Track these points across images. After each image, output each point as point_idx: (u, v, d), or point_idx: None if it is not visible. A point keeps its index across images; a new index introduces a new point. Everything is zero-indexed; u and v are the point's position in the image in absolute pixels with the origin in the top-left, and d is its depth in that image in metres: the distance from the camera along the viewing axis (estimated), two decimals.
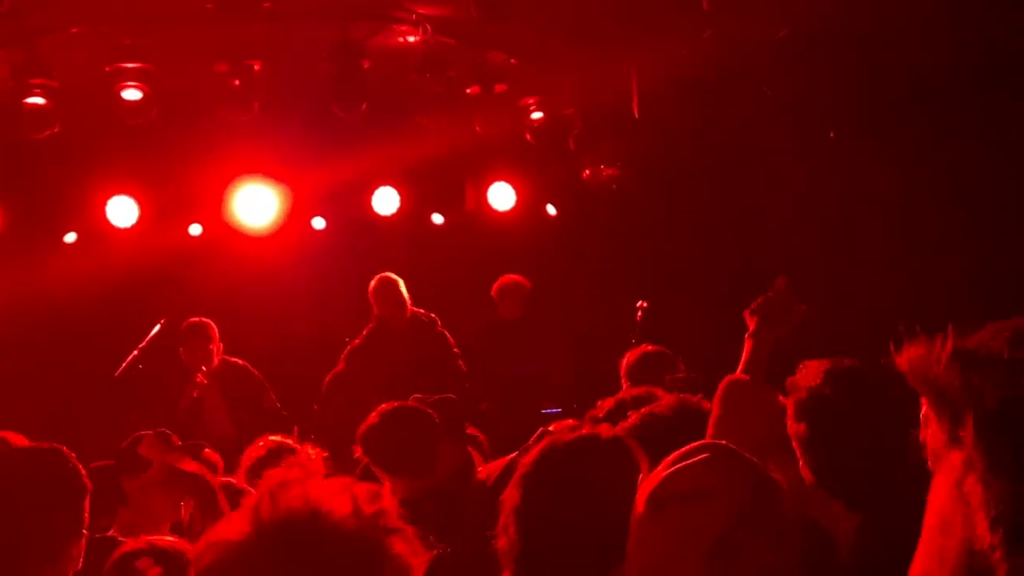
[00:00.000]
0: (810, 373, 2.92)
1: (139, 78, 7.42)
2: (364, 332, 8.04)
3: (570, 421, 4.95)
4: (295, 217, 9.29)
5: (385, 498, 1.55)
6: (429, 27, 7.41)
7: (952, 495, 1.03)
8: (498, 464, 4.36)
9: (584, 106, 8.77)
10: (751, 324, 3.19)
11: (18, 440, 4.09)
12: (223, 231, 9.25)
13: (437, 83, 7.80)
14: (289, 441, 4.92)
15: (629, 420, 2.89)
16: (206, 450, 4.43)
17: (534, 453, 2.22)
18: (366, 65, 7.42)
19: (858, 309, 7.20)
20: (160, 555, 3.02)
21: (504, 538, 2.16)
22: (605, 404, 3.36)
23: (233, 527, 1.47)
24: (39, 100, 7.21)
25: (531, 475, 2.20)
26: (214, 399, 7.83)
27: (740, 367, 3.14)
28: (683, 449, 1.93)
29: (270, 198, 9.10)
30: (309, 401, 9.11)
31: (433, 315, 8.17)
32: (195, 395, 7.76)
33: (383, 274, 8.04)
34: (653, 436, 2.41)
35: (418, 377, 7.33)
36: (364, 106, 7.52)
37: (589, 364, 8.17)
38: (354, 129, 8.49)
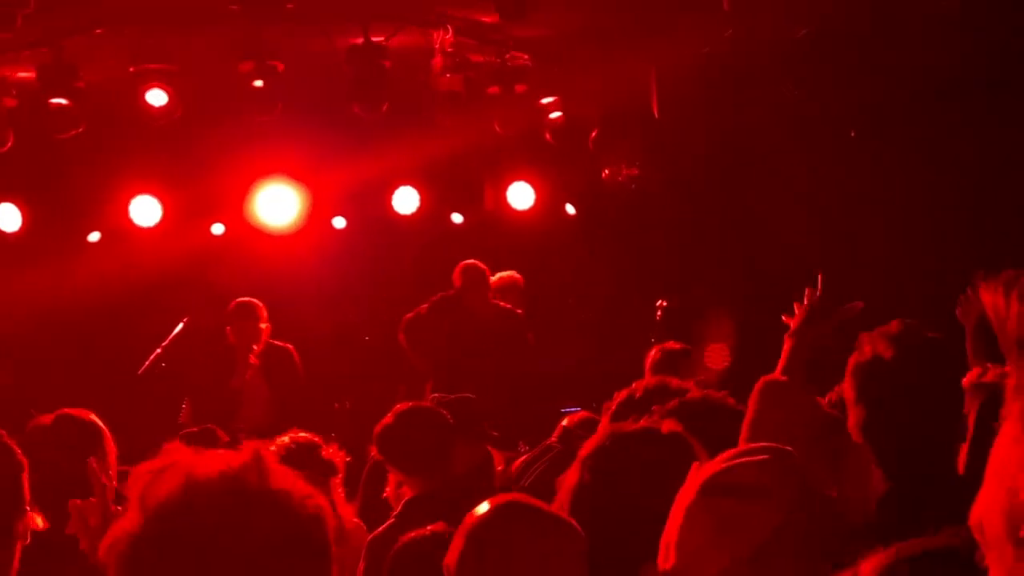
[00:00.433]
0: (874, 336, 2.85)
1: (163, 79, 7.49)
2: (429, 304, 7.85)
3: (584, 414, 5.00)
4: (316, 216, 9.35)
5: (259, 448, 1.54)
6: (450, 27, 7.45)
7: (1011, 443, 1.04)
8: (522, 460, 4.41)
9: (604, 105, 8.79)
10: (792, 322, 3.05)
11: None
12: (245, 230, 9.32)
13: (457, 83, 7.84)
14: (316, 439, 4.97)
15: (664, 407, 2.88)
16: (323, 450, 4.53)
17: (597, 439, 2.31)
18: (387, 66, 7.46)
19: (877, 308, 7.19)
20: None
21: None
22: (619, 395, 3.35)
23: (126, 521, 1.48)
24: (64, 100, 7.29)
25: (592, 459, 2.29)
26: (258, 383, 7.79)
27: (779, 367, 3.00)
28: (742, 447, 1.97)
29: (292, 198, 9.16)
30: (330, 399, 9.19)
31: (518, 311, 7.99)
32: (248, 376, 7.73)
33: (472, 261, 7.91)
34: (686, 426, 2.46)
35: (484, 360, 7.31)
36: (385, 106, 7.57)
37: (609, 362, 8.19)
38: (374, 129, 8.54)
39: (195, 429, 5.44)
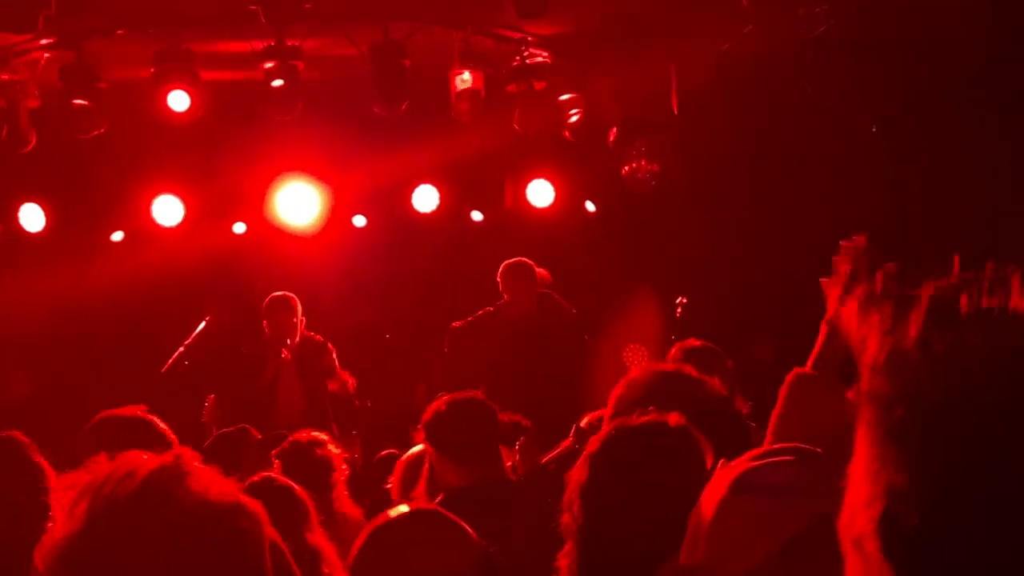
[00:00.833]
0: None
1: (185, 80, 7.53)
2: (474, 316, 7.68)
3: (599, 412, 4.99)
4: (336, 215, 9.39)
5: (180, 454, 1.53)
6: (470, 26, 7.47)
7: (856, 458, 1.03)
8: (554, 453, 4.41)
9: (624, 102, 8.78)
10: (830, 304, 2.78)
11: None
12: (266, 229, 9.37)
13: (477, 82, 7.85)
14: (323, 436, 5.00)
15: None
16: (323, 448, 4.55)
17: (602, 434, 2.31)
18: (407, 64, 7.48)
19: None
20: None
21: (568, 514, 2.25)
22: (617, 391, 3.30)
23: (63, 526, 1.47)
24: (86, 101, 7.34)
25: (598, 455, 2.30)
26: (291, 378, 7.73)
27: (810, 360, 2.82)
28: (768, 446, 1.98)
29: (312, 197, 9.20)
30: (350, 397, 9.22)
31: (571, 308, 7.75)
32: (281, 372, 7.66)
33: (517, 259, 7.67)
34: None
35: (533, 365, 7.10)
36: (405, 105, 7.59)
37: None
38: (395, 128, 8.56)
39: (231, 429, 5.47)
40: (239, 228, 9.84)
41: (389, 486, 4.89)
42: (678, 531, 1.90)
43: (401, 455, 5.34)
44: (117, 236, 9.62)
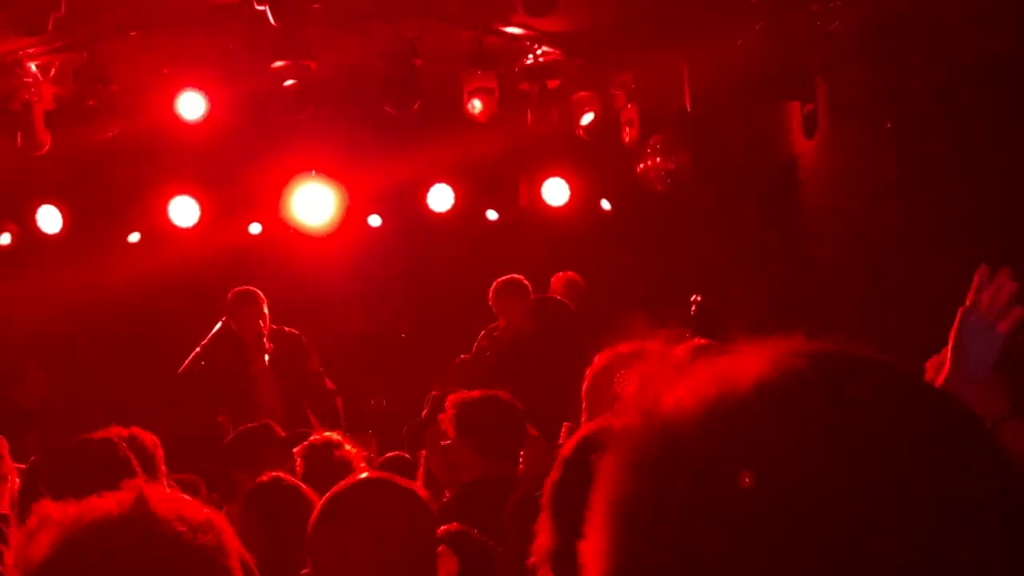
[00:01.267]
0: None
1: (198, 81, 7.56)
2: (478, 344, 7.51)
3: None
4: (352, 215, 9.40)
5: (141, 487, 1.51)
6: (480, 25, 7.46)
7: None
8: None
9: (638, 100, 8.75)
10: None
11: None
12: (282, 230, 9.39)
13: (490, 80, 7.84)
14: (336, 437, 4.99)
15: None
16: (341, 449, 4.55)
17: (575, 436, 2.28)
18: (418, 64, 7.48)
19: (915, 304, 7.12)
20: None
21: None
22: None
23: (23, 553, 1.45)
24: (99, 104, 7.37)
25: (570, 456, 2.25)
26: (266, 372, 7.54)
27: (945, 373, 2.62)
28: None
29: (327, 197, 9.21)
30: (366, 397, 9.24)
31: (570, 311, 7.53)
32: (261, 367, 7.45)
33: (509, 276, 7.43)
34: None
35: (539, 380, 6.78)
36: (417, 104, 7.58)
37: None
38: (409, 127, 8.56)
39: (252, 425, 5.46)
40: (255, 229, 9.87)
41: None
42: None
43: (410, 457, 5.34)
44: (134, 237, 9.68)
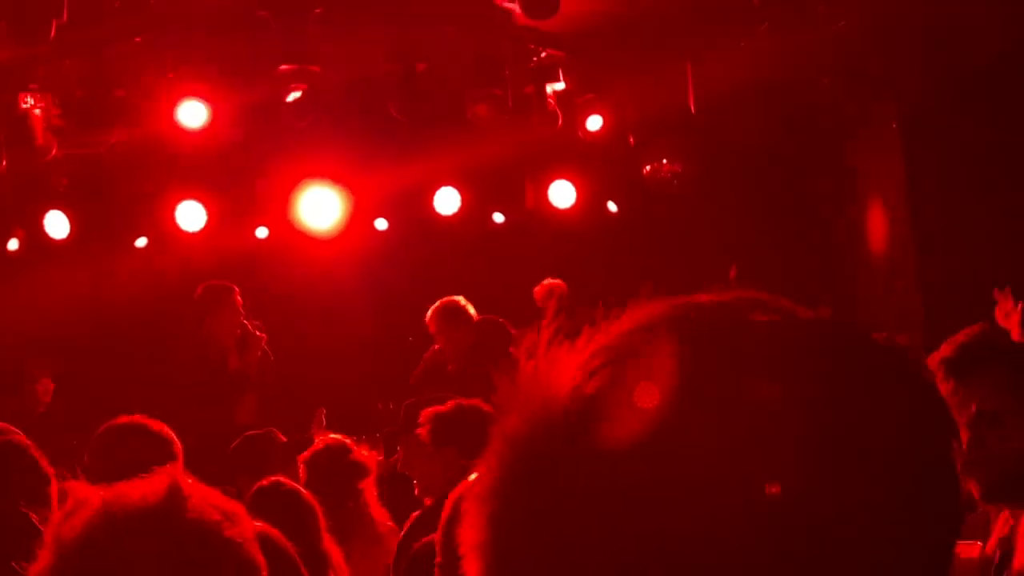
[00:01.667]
0: None
1: (203, 86, 7.57)
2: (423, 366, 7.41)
3: None
4: (358, 219, 9.40)
5: (175, 476, 1.52)
6: (483, 25, 7.46)
7: None
8: None
9: (643, 102, 8.74)
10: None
11: None
12: (289, 234, 9.41)
13: (495, 84, 7.84)
14: (347, 441, 4.99)
15: None
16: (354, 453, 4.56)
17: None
18: (422, 67, 7.49)
19: (934, 300, 7.11)
20: None
21: None
22: None
23: (41, 563, 1.46)
24: (106, 109, 7.40)
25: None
26: (245, 370, 7.40)
27: None
28: None
29: (334, 201, 9.22)
30: (374, 401, 9.24)
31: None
32: (239, 365, 7.25)
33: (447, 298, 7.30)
34: None
35: None
36: (421, 107, 7.59)
37: None
38: (415, 131, 8.57)
39: (257, 432, 5.48)
40: (262, 233, 9.88)
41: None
42: None
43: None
44: (141, 242, 9.69)
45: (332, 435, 5.14)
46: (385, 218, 10.05)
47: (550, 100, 8.49)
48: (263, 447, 5.34)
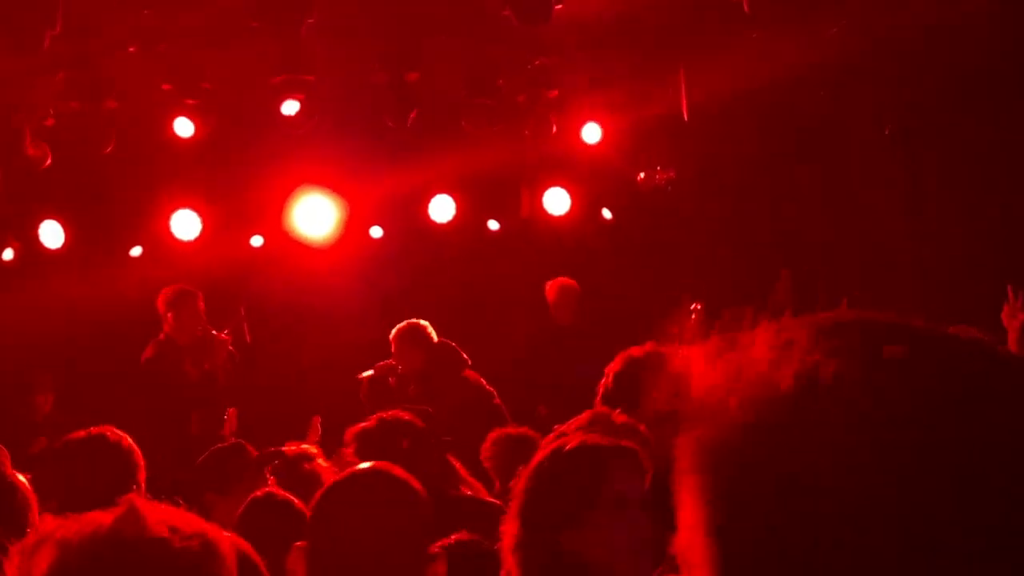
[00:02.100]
0: None
1: (196, 98, 7.58)
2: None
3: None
4: (353, 227, 9.41)
5: (133, 499, 1.52)
6: (479, 35, 7.48)
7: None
8: None
9: (636, 109, 8.77)
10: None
11: None
12: (284, 242, 9.41)
13: (488, 93, 7.86)
14: (312, 449, 4.98)
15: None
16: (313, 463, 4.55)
17: (541, 452, 2.35)
18: (415, 76, 7.50)
19: (934, 300, 7.11)
20: None
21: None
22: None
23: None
24: (96, 119, 7.41)
25: (532, 470, 2.36)
26: (210, 375, 7.36)
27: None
28: None
29: (329, 209, 9.23)
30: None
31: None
32: (204, 370, 7.19)
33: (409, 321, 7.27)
34: None
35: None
36: (413, 115, 7.60)
37: None
38: (409, 139, 8.59)
39: (225, 444, 5.44)
40: (257, 241, 9.88)
41: None
42: None
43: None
44: (136, 251, 9.69)
45: (302, 444, 5.15)
46: (380, 226, 10.06)
47: (544, 108, 8.51)
48: (231, 460, 5.23)
